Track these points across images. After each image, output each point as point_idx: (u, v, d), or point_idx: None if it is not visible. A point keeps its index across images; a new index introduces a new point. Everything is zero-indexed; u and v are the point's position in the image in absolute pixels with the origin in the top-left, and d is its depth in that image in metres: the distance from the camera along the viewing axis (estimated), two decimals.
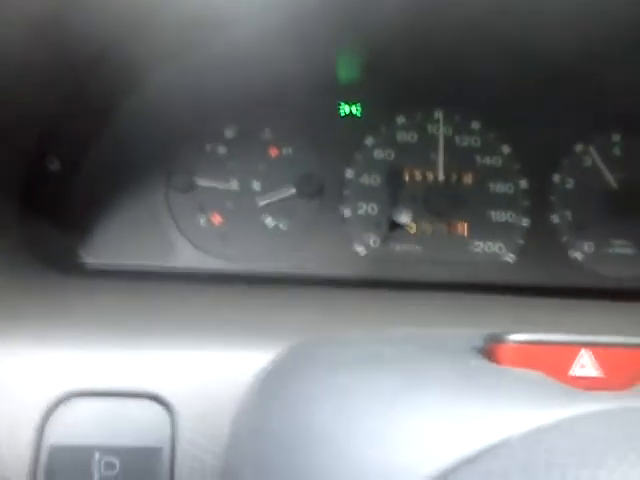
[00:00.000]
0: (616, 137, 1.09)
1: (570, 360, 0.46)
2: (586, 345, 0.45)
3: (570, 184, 1.07)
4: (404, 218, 0.98)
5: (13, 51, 0.67)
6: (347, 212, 1.03)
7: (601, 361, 0.45)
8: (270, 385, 0.52)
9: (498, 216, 1.06)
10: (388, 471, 0.37)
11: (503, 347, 0.45)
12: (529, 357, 0.45)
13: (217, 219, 1.01)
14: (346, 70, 1.03)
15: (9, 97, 0.72)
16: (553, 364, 0.45)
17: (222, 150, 1.02)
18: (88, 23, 0.74)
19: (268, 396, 0.51)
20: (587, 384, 0.44)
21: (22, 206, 0.83)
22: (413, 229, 1.04)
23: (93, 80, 0.86)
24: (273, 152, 1.03)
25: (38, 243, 0.83)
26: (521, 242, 1.05)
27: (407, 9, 0.91)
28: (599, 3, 0.86)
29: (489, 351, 0.47)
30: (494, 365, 0.45)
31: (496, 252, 1.05)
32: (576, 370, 0.45)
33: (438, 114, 1.07)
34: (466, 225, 1.05)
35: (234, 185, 1.02)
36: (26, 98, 0.76)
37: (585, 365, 0.45)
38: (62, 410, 0.56)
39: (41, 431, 0.55)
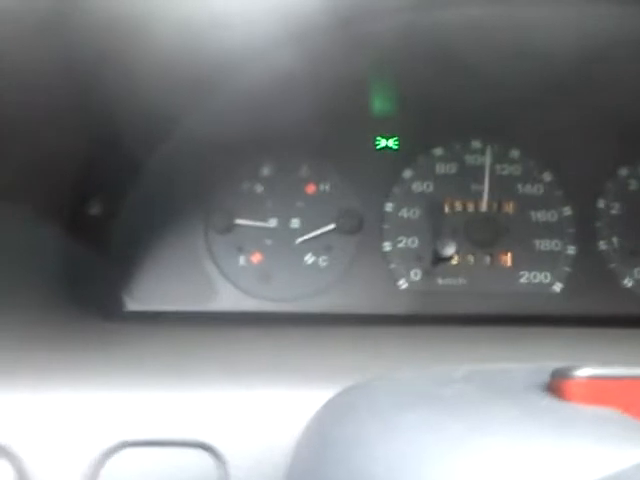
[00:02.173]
0: None
1: None
2: None
3: (616, 209, 1.04)
4: (448, 250, 0.96)
5: (46, 93, 0.68)
6: (387, 246, 1.02)
7: None
8: (325, 431, 0.50)
9: (542, 245, 1.03)
10: None
11: (572, 383, 0.43)
12: (601, 393, 0.42)
13: (257, 258, 1.00)
14: (381, 103, 1.03)
15: (45, 142, 0.73)
16: (628, 399, 0.42)
17: (259, 188, 1.02)
18: (119, 70, 0.74)
19: (323, 443, 0.49)
20: None
21: (65, 252, 0.83)
22: (456, 261, 1.02)
23: (128, 124, 0.86)
24: (310, 189, 1.03)
25: (81, 290, 0.83)
26: (568, 270, 1.02)
27: (441, 40, 0.91)
28: None
29: (556, 388, 0.44)
30: (564, 403, 0.43)
31: (542, 282, 1.02)
32: None
33: (476, 144, 1.05)
34: (510, 255, 1.02)
35: (273, 223, 1.01)
36: (61, 141, 0.76)
37: None
38: (112, 461, 0.54)
39: None
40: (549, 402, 0.43)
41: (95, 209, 0.88)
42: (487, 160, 1.03)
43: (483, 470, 0.37)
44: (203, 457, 0.55)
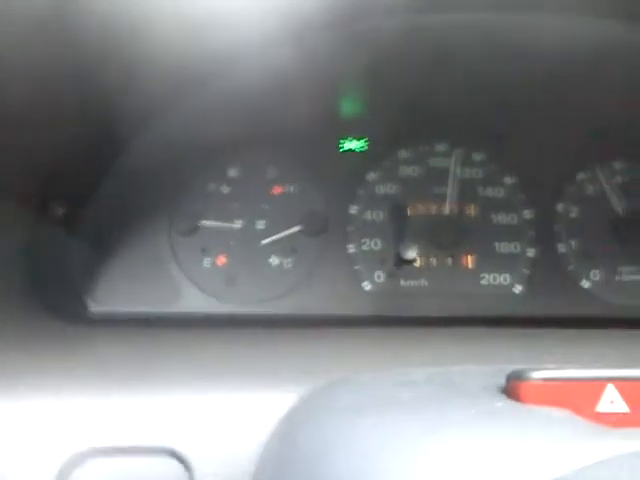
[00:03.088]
0: (618, 165, 1.09)
1: (597, 396, 0.44)
2: (612, 380, 0.44)
3: (574, 213, 1.07)
4: (410, 253, 0.98)
5: (16, 93, 0.67)
6: (352, 248, 1.03)
7: (628, 396, 0.44)
8: (288, 435, 0.50)
9: (503, 247, 1.05)
10: None
11: (527, 385, 0.44)
12: (554, 394, 0.44)
13: (221, 260, 1.00)
14: (348, 106, 1.03)
15: (14, 140, 0.72)
16: (579, 401, 0.44)
17: (225, 190, 1.02)
18: (90, 68, 0.74)
19: (287, 446, 0.49)
20: (615, 421, 0.43)
21: (28, 254, 0.82)
22: (418, 263, 1.03)
23: (96, 125, 0.85)
24: (276, 190, 1.03)
25: (43, 291, 0.82)
26: (527, 272, 1.04)
27: (409, 44, 0.92)
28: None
29: (512, 390, 0.46)
30: (518, 404, 0.44)
31: (503, 283, 1.04)
32: (603, 406, 0.44)
33: (441, 147, 1.07)
34: (471, 257, 1.04)
35: (238, 224, 1.01)
36: (29, 141, 0.75)
37: (612, 401, 0.44)
38: (77, 469, 0.54)
39: None
40: (504, 404, 0.44)
41: (58, 211, 0.87)
42: (452, 163, 1.05)
43: (438, 468, 0.38)
44: (169, 463, 0.56)
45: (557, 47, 0.93)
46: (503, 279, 1.04)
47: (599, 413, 0.44)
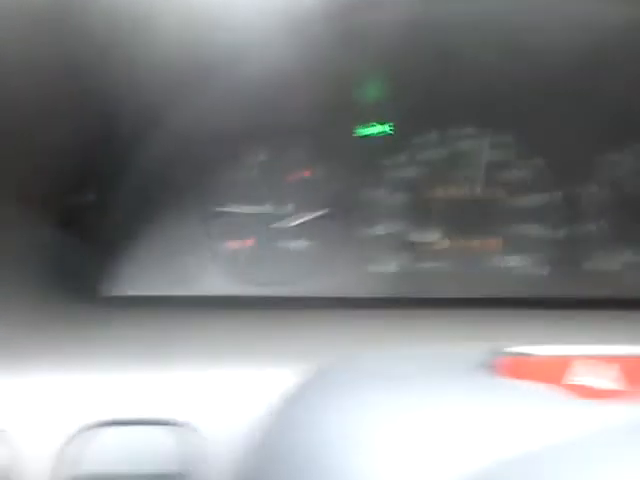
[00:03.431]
0: None
1: (582, 373, 0.45)
2: (586, 356, 0.45)
3: (602, 195, 1.06)
4: (429, 236, 0.99)
5: (42, 85, 0.70)
6: (377, 231, 1.04)
7: (604, 371, 0.45)
8: (287, 407, 0.52)
9: (529, 230, 1.05)
10: None
11: (504, 360, 0.45)
12: (530, 369, 0.44)
13: (246, 244, 1.03)
14: (370, 89, 1.04)
15: (45, 129, 0.75)
16: (554, 375, 0.44)
17: (246, 175, 1.04)
18: (114, 63, 0.77)
19: (286, 418, 0.52)
20: (592, 394, 0.43)
21: (51, 238, 0.85)
22: (445, 245, 1.03)
23: (120, 115, 0.88)
24: (300, 175, 1.05)
25: (66, 275, 0.85)
26: (554, 255, 1.04)
27: (433, 29, 0.92)
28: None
29: (491, 365, 0.47)
30: (498, 379, 0.45)
31: (529, 265, 1.04)
32: (580, 380, 0.45)
33: (467, 130, 1.07)
34: (496, 240, 1.04)
35: (261, 209, 1.03)
36: (56, 132, 0.79)
37: (592, 375, 0.45)
38: (84, 439, 0.57)
39: (62, 461, 0.56)
40: (491, 379, 0.45)
41: (86, 197, 0.91)
42: (482, 146, 1.05)
43: (422, 438, 0.39)
44: (176, 434, 0.58)
45: (577, 30, 0.92)
46: (529, 261, 1.04)
47: (577, 386, 0.44)
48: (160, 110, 0.97)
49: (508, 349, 0.46)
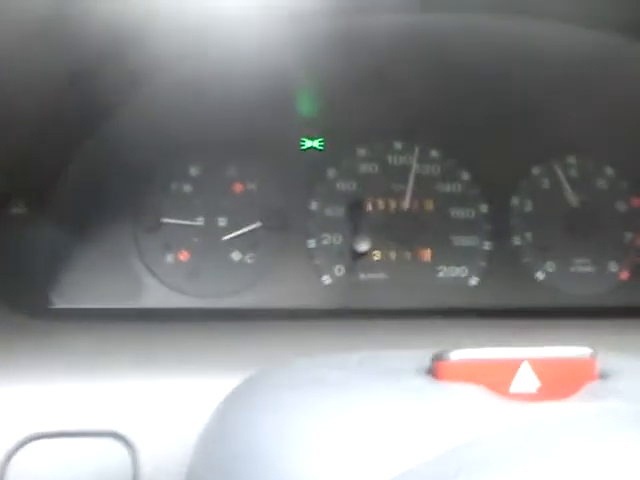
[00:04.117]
0: (571, 159, 1.12)
1: (511, 374, 0.47)
2: (525, 359, 0.47)
3: (529, 206, 1.10)
4: (363, 246, 1.01)
5: None
6: (312, 243, 1.05)
7: (541, 374, 0.47)
8: (223, 414, 0.53)
9: (460, 241, 1.08)
10: None
11: (445, 364, 0.47)
12: (471, 373, 0.47)
13: (184, 256, 1.03)
14: (306, 104, 1.06)
15: None
16: (494, 379, 0.47)
17: (187, 188, 1.04)
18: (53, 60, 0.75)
19: (221, 425, 0.52)
20: (525, 397, 0.45)
21: None
22: (378, 257, 1.06)
23: (56, 117, 0.87)
24: (237, 188, 1.05)
25: (5, 287, 0.84)
26: (484, 265, 1.08)
27: (365, 42, 0.95)
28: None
29: (433, 369, 0.49)
30: (436, 382, 0.47)
31: (460, 276, 1.07)
32: (516, 384, 0.47)
33: (398, 145, 1.10)
34: (429, 251, 1.07)
35: (200, 221, 1.03)
36: None
37: (526, 378, 0.47)
38: (23, 453, 0.56)
39: (1, 476, 0.55)
40: (423, 381, 0.47)
41: (18, 208, 0.89)
42: (414, 160, 1.08)
43: (353, 440, 0.41)
44: (114, 445, 0.58)
45: (515, 51, 0.97)
46: (460, 272, 1.08)
47: (512, 389, 0.47)
48: (93, 123, 0.96)
49: (447, 353, 0.48)
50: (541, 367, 0.48)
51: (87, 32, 0.75)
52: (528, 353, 0.48)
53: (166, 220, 1.03)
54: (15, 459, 0.56)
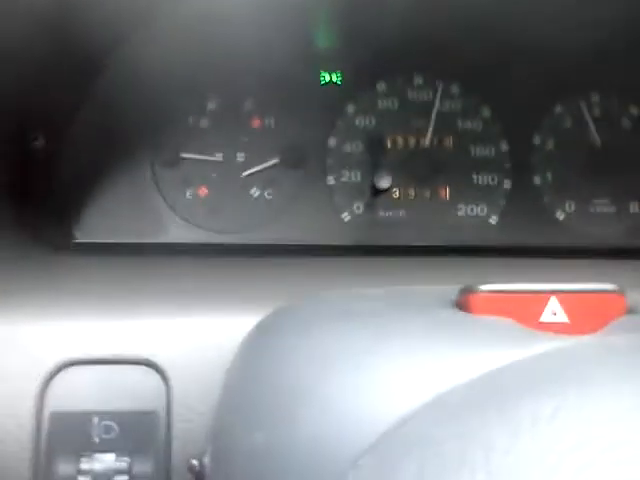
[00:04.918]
0: (595, 97, 1.10)
1: (540, 308, 0.47)
2: (555, 293, 0.47)
3: (550, 145, 1.09)
4: (384, 183, 1.00)
5: None
6: (331, 180, 1.05)
7: (569, 308, 0.47)
8: (252, 346, 0.54)
9: (480, 179, 1.07)
10: (358, 416, 0.39)
11: (474, 297, 0.47)
12: (500, 306, 0.47)
13: (203, 191, 1.02)
14: (325, 37, 1.04)
15: None
16: (524, 312, 0.47)
17: (205, 122, 1.03)
18: None
19: (250, 356, 0.53)
20: (555, 329, 0.46)
21: (10, 185, 0.84)
22: (397, 194, 1.05)
23: (66, 52, 0.86)
24: (255, 123, 1.04)
25: (28, 222, 0.84)
26: (503, 204, 1.07)
27: None
28: None
29: (461, 302, 0.49)
30: (465, 314, 0.47)
31: (479, 214, 1.07)
32: (545, 317, 0.47)
33: (418, 80, 1.08)
34: (448, 189, 1.06)
35: (218, 157, 1.03)
36: (5, 68, 0.76)
37: (555, 312, 0.47)
38: (60, 378, 0.58)
39: (41, 399, 0.57)
40: (452, 314, 0.48)
41: (39, 142, 0.88)
42: (437, 96, 1.06)
43: (380, 371, 0.41)
44: (148, 372, 0.59)
45: None
46: (479, 210, 1.07)
47: (541, 323, 0.47)
48: (110, 55, 0.95)
49: (475, 286, 0.48)
50: (569, 301, 0.48)
51: None
52: (556, 287, 0.48)
53: (185, 155, 1.02)
54: (52, 384, 0.58)
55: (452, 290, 0.53)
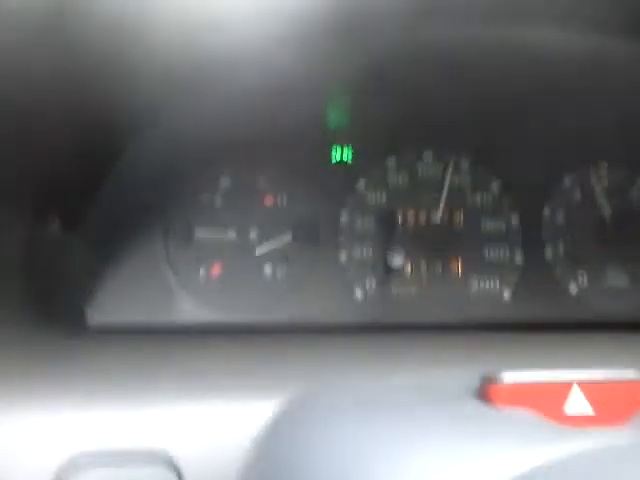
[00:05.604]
0: (603, 168, 1.11)
1: (563, 397, 0.47)
2: (578, 382, 0.47)
3: (561, 217, 1.09)
4: (397, 261, 1.00)
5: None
6: (343, 257, 1.05)
7: (593, 397, 0.47)
8: (272, 437, 0.53)
9: (492, 253, 1.07)
10: None
11: (496, 388, 0.47)
12: (522, 396, 0.46)
13: (216, 270, 1.03)
14: (335, 116, 1.06)
15: (9, 151, 0.74)
16: (546, 402, 0.46)
17: (218, 201, 1.04)
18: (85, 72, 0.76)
19: (270, 448, 0.52)
20: (579, 422, 0.45)
21: (24, 267, 0.84)
22: (409, 270, 1.05)
23: (90, 133, 0.87)
24: (268, 200, 1.05)
25: (42, 304, 0.84)
26: (516, 278, 1.07)
27: (392, 53, 0.94)
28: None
29: (483, 393, 0.48)
30: (488, 407, 0.47)
31: (491, 289, 1.06)
32: (569, 408, 0.46)
33: (428, 155, 1.09)
34: (460, 263, 1.06)
35: (231, 235, 1.03)
36: (24, 151, 0.77)
37: (577, 402, 0.47)
38: (70, 475, 0.56)
39: None
40: (476, 407, 0.47)
41: (55, 221, 0.89)
42: (447, 171, 1.08)
43: (408, 468, 0.40)
44: (159, 467, 0.58)
45: (545, 56, 0.95)
46: (492, 285, 1.07)
47: (564, 415, 0.46)
48: (127, 139, 0.96)
49: (497, 376, 0.47)
50: (593, 390, 0.47)
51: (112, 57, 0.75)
52: (578, 376, 0.48)
53: (198, 233, 1.03)
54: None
55: (471, 375, 0.52)
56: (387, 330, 0.96)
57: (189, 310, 1.00)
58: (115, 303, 0.97)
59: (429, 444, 0.42)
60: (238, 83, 0.95)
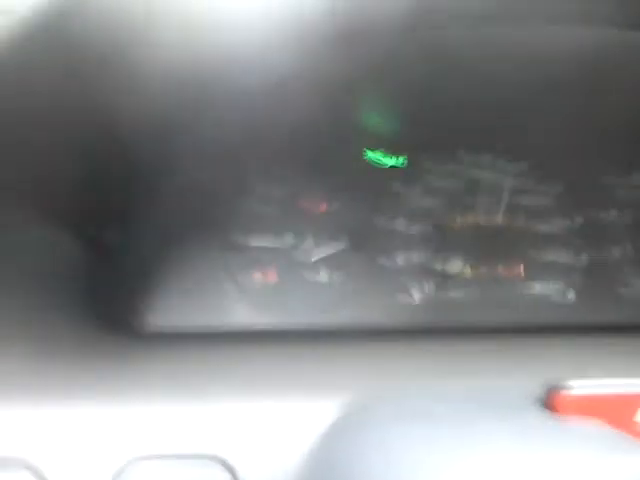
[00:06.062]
0: None
1: (634, 408, 0.45)
2: None
3: (625, 217, 1.06)
4: (454, 266, 0.99)
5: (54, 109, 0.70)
6: (399, 261, 1.03)
7: None
8: (328, 444, 0.52)
9: (553, 255, 1.05)
10: None
11: (563, 397, 0.45)
12: (591, 406, 0.44)
13: (272, 277, 1.03)
14: (385, 119, 1.04)
15: (64, 168, 0.75)
16: (616, 413, 0.44)
17: (272, 209, 1.04)
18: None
19: (326, 453, 0.51)
20: None
21: (87, 276, 0.86)
22: (467, 274, 1.03)
23: (141, 143, 0.88)
24: (322, 207, 1.05)
25: (103, 309, 0.86)
26: (578, 280, 1.03)
27: (441, 53, 0.93)
28: None
29: (549, 402, 0.46)
30: (554, 417, 0.45)
31: (554, 292, 1.03)
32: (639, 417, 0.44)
33: (486, 159, 1.07)
34: (521, 267, 1.04)
35: (287, 242, 1.03)
36: (80, 167, 0.79)
37: None
38: (127, 476, 0.57)
39: None
40: (540, 416, 0.45)
41: (111, 237, 0.91)
42: (507, 173, 1.05)
43: None
44: (217, 471, 0.58)
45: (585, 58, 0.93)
46: (554, 287, 1.04)
47: (636, 424, 0.44)
48: (179, 144, 0.97)
49: (562, 383, 0.45)
50: None
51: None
52: None
53: (253, 241, 1.03)
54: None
55: (534, 382, 0.50)
56: (446, 334, 0.94)
57: (245, 315, 1.00)
58: (173, 309, 0.98)
59: (492, 457, 0.40)
60: (292, 92, 0.95)
